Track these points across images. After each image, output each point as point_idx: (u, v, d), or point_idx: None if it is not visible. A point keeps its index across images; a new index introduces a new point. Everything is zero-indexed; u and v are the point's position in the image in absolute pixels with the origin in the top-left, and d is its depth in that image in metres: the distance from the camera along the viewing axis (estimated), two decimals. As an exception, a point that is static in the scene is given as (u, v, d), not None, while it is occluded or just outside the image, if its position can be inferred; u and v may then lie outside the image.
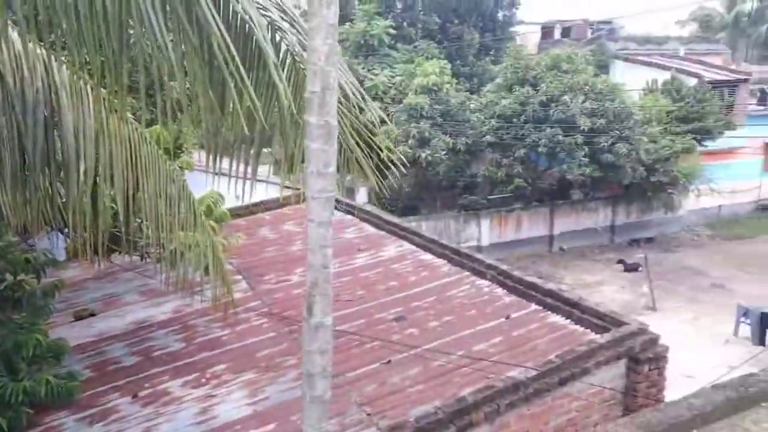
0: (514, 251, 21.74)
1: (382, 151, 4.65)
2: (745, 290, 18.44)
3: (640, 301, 17.70)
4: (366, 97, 4.34)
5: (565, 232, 22.69)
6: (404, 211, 22.03)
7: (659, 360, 6.61)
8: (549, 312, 7.39)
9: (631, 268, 19.88)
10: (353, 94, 4.18)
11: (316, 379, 2.84)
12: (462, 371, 6.09)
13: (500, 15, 28.74)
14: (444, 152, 19.93)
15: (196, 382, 5.95)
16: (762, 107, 28.04)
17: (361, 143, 4.47)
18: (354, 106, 4.15)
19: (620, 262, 20.65)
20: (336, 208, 11.33)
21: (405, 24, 26.58)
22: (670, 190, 21.66)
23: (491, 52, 28.39)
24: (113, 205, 4.69)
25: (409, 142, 19.89)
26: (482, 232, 21.39)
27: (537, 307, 7.54)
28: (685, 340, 15.31)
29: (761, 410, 3.44)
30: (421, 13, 26.36)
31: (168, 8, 3.16)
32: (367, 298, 7.81)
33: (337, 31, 2.74)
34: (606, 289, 18.94)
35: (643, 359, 6.46)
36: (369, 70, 22.96)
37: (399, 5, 27.59)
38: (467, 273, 8.60)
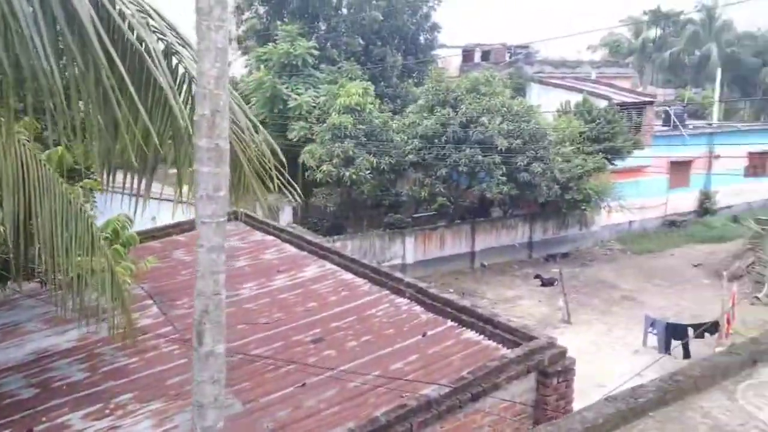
0: (438, 268, 22.11)
1: (274, 176, 4.61)
2: (653, 302, 19.51)
3: (556, 315, 18.34)
4: (258, 125, 4.32)
5: (486, 249, 23.31)
6: (330, 230, 22.00)
7: (567, 372, 6.87)
8: (464, 328, 7.54)
9: (548, 283, 20.63)
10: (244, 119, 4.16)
11: (207, 409, 2.76)
12: (377, 391, 6.10)
13: (422, 38, 29.42)
14: (368, 171, 20.10)
15: (99, 413, 5.67)
16: (666, 128, 30.00)
17: (257, 168, 4.44)
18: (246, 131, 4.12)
19: (537, 276, 21.38)
20: (256, 228, 11.20)
21: (329, 45, 26.76)
22: (583, 207, 22.67)
23: (414, 74, 28.95)
24: (2, 229, 4.44)
25: (334, 161, 19.94)
26: (407, 250, 21.64)
27: (452, 323, 7.69)
28: (599, 351, 16.01)
29: (648, 420, 3.63)
30: (345, 35, 26.63)
31: (57, 35, 3.07)
32: (285, 320, 7.72)
33: (227, 55, 2.73)
34: (525, 303, 19.53)
35: (552, 372, 6.69)
36: (293, 90, 22.91)
37: (323, 27, 27.77)
38: (387, 292, 8.67)
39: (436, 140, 20.44)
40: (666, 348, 14.63)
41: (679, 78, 60.85)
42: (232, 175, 3.99)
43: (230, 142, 3.14)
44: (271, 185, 4.77)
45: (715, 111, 35.11)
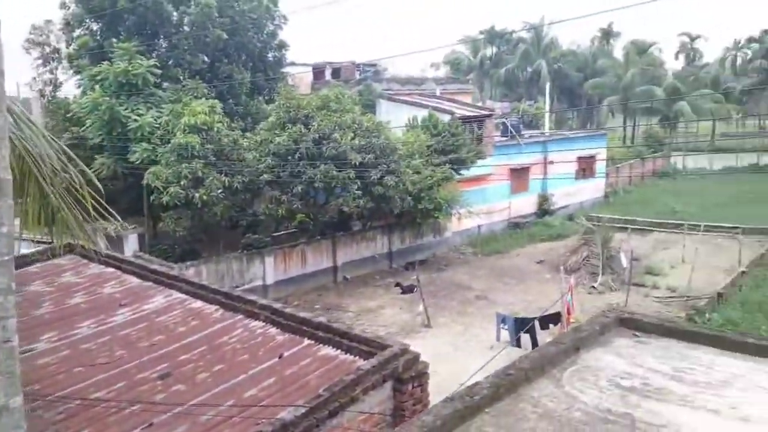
0: (301, 286, 21.91)
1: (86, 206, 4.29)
2: (503, 299, 20.79)
3: (417, 320, 18.91)
4: (71, 154, 4.00)
5: (348, 262, 23.52)
6: (183, 256, 20.94)
7: (421, 377, 7.07)
8: (321, 345, 7.51)
9: (408, 290, 21.25)
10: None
11: (8, 471, 2.45)
12: (232, 422, 5.87)
13: (270, 56, 29.20)
14: (220, 191, 19.46)
15: None
16: (505, 138, 32.31)
17: (68, 199, 4.09)
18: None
19: (398, 285, 21.96)
20: (94, 260, 10.36)
21: (171, 63, 25.66)
22: (436, 215, 23.66)
23: (264, 92, 28.67)
24: None
25: (182, 182, 19.06)
26: (267, 271, 21.19)
27: (310, 341, 7.63)
28: (457, 351, 16.73)
29: (485, 416, 3.82)
30: (188, 52, 25.67)
31: None
32: (128, 358, 7.20)
33: (3, 78, 2.45)
34: (387, 312, 19.92)
35: (407, 378, 6.85)
36: (133, 111, 21.61)
37: (164, 45, 26.59)
38: (240, 316, 8.42)
39: (289, 157, 20.30)
40: (516, 341, 15.62)
41: (515, 92, 66.21)
42: (43, 208, 3.63)
43: (33, 173, 2.85)
44: (95, 214, 4.42)
45: (547, 121, 38.48)
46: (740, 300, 19.67)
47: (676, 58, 72.27)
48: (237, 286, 18.55)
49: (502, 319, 16.77)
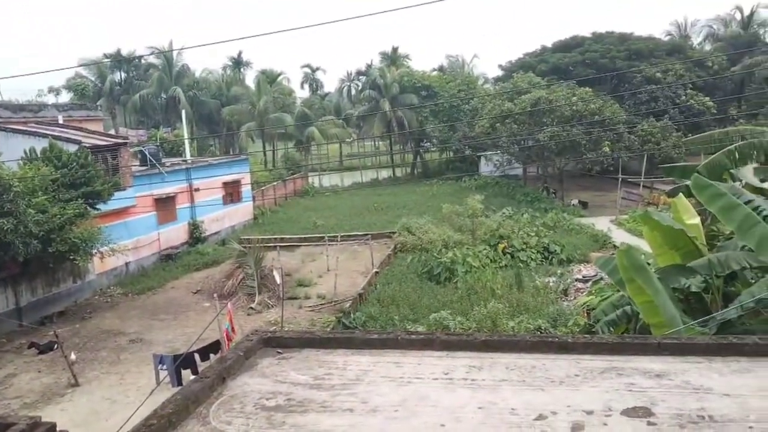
0: None
1: None
2: (161, 338, 19.65)
3: (62, 381, 16.52)
4: None
5: (-45, 331, 19.17)
6: None
7: (59, 450, 6.07)
8: None
9: (47, 349, 18.41)
10: None
11: None
12: None
13: None
14: None
15: None
16: (145, 167, 30.74)
17: None
18: None
19: (32, 345, 18.79)
20: None
21: None
22: (72, 258, 21.07)
23: None
24: None
25: None
26: None
27: None
28: (114, 404, 15.16)
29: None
30: None
31: None
32: None
33: None
34: (22, 379, 16.88)
35: (40, 458, 5.80)
36: None
37: None
38: None
39: None
40: (178, 380, 14.86)
41: (152, 118, 63.85)
42: None
43: None
44: None
45: (188, 148, 38.02)
46: (376, 297, 22.61)
47: (302, 87, 79.57)
48: None
49: (160, 360, 15.79)
